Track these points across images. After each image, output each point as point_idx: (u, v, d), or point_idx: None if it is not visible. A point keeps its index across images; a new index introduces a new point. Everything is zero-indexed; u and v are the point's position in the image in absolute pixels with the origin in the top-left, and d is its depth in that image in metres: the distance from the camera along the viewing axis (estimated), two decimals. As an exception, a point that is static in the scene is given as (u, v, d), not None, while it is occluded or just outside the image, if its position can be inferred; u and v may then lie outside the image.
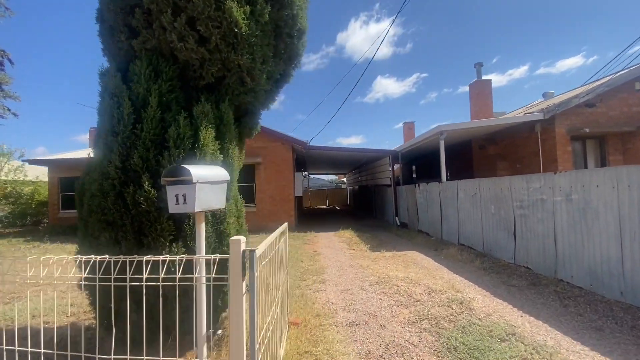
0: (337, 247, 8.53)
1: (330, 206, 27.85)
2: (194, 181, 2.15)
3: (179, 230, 2.84)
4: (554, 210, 4.86)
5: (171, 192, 2.23)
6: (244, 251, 1.74)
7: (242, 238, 1.78)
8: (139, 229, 2.75)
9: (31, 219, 15.89)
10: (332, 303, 4.37)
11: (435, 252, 7.31)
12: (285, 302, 3.44)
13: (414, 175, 19.85)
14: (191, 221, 2.85)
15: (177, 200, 2.23)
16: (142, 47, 2.98)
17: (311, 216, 19.06)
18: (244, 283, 1.74)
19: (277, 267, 2.83)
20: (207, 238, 2.89)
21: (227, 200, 3.10)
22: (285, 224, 3.73)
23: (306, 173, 26.41)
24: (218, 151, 3.04)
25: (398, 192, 12.68)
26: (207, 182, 2.29)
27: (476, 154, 11.98)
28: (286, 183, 12.29)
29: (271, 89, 3.86)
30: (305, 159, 17.48)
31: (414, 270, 5.79)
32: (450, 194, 8.19)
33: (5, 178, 15.35)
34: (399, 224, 12.51)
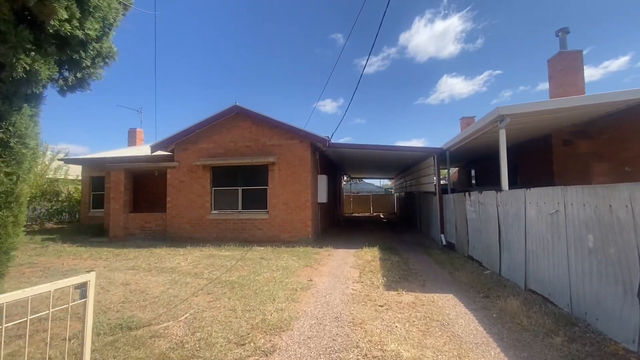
0: (343, 275, 6.27)
1: (375, 214, 25.12)
2: None
3: None
4: None
5: None
6: None
7: None
8: None
9: (70, 217, 16.51)
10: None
11: (483, 302, 4.63)
12: None
13: (473, 182, 16.30)
14: None
15: None
16: None
17: (345, 225, 16.78)
18: None
19: None
20: None
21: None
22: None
23: (347, 177, 24.18)
24: None
25: (445, 201, 9.83)
26: None
27: (558, 153, 8.60)
28: (303, 187, 10.35)
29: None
30: (341, 161, 15.35)
31: (436, 345, 3.34)
32: (513, 209, 5.38)
33: (51, 176, 16.15)
34: (444, 243, 9.64)
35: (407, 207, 18.77)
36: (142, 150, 15.21)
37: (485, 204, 6.59)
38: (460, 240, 8.34)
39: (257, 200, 10.73)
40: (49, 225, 15.80)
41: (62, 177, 16.46)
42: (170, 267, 6.89)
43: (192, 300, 4.78)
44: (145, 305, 4.56)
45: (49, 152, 16.03)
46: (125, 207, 11.71)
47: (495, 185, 10.51)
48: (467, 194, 7.71)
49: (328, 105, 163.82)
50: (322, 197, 11.56)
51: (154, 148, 11.60)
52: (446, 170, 13.30)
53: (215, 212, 10.97)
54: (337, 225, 16.71)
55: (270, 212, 10.51)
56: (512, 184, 11.70)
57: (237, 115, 10.96)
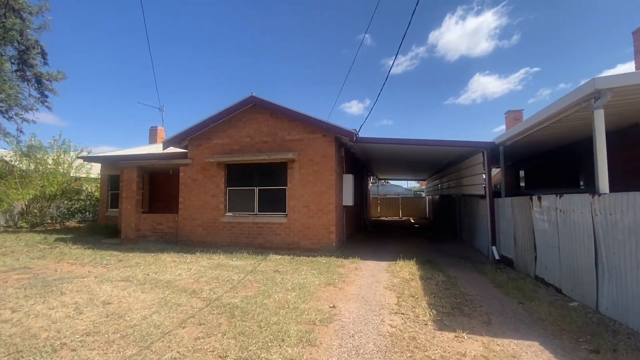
0: (376, 300, 4.87)
1: (404, 218, 23.28)
2: None
3: None
4: None
5: None
6: None
7: None
8: None
9: (92, 216, 16.24)
10: None
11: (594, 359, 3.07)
12: None
13: (522, 184, 14.22)
14: None
15: None
16: None
17: (373, 231, 15.23)
18: None
19: None
20: None
21: None
22: None
23: (375, 178, 22.58)
24: None
25: (498, 207, 8.14)
26: None
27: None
28: (325, 188, 9.03)
29: None
30: (368, 159, 13.89)
31: None
32: (627, 221, 3.74)
33: (74, 174, 15.96)
34: (496, 257, 7.96)
35: (443, 211, 16.91)
36: (160, 148, 14.57)
37: (567, 211, 4.93)
38: (523, 255, 6.65)
39: (274, 202, 9.54)
40: (70, 223, 15.60)
41: (84, 175, 16.24)
42: (167, 280, 5.81)
43: (175, 334, 3.59)
44: (114, 340, 3.43)
45: (72, 152, 15.85)
46: (138, 207, 10.97)
47: (553, 188, 8.67)
48: (534, 198, 6.03)
49: (354, 107, 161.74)
50: (348, 200, 10.18)
51: (166, 144, 10.77)
52: (493, 170, 11.45)
53: (230, 214, 9.91)
54: (363, 230, 15.23)
55: (289, 215, 9.28)
56: (572, 187, 9.73)
57: (253, 107, 9.86)
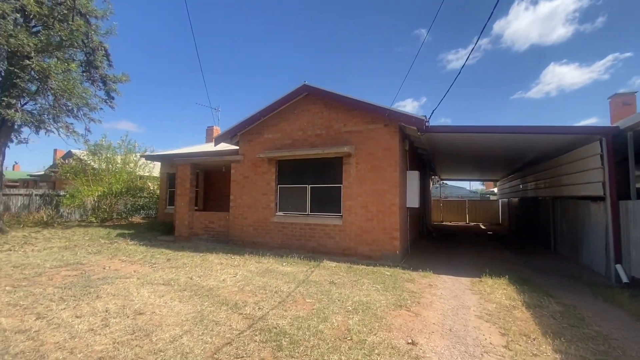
0: (471, 338, 3.51)
1: (471, 223, 20.66)
2: None
3: None
4: None
5: None
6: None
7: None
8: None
9: (155, 212, 16.94)
10: None
11: None
12: None
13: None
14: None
15: None
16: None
17: (438, 238, 13.40)
18: None
19: None
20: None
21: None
22: None
23: (437, 178, 20.42)
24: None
25: (628, 212, 6.08)
26: None
27: None
28: (388, 186, 7.74)
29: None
30: (433, 155, 12.19)
31: None
32: None
33: (140, 173, 16.83)
34: (624, 280, 5.92)
35: (524, 217, 14.35)
36: (214, 147, 14.57)
37: None
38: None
39: (328, 202, 8.52)
40: (135, 219, 16.45)
41: (147, 174, 17.05)
42: (209, 287, 5.09)
43: (204, 370, 2.70)
44: (129, 372, 2.64)
45: (137, 152, 16.76)
46: (191, 204, 10.81)
47: None
48: None
49: (408, 106, 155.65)
50: (413, 201, 8.74)
51: (218, 140, 10.44)
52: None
53: (280, 214, 9.14)
54: (427, 237, 13.49)
55: (344, 216, 8.18)
56: None
57: (306, 98, 8.97)
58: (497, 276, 6.17)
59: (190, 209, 10.75)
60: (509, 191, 16.66)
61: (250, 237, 9.44)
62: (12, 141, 10.58)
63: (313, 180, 8.79)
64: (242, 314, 4.03)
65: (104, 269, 6.32)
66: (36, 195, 14.04)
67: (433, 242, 11.84)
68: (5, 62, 9.11)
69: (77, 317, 3.76)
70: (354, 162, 8.16)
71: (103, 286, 5.04)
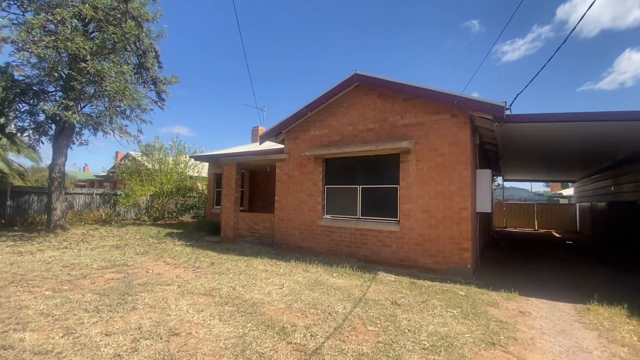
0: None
1: (541, 230, 18.13)
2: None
3: None
4: None
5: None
6: None
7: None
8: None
9: (202, 212, 17.21)
10: None
11: None
12: None
13: None
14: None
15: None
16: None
17: (507, 247, 11.67)
18: None
19: None
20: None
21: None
22: None
23: (498, 178, 18.24)
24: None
25: None
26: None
27: None
28: (456, 188, 6.57)
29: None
30: (502, 151, 10.57)
31: None
32: None
33: (190, 173, 17.24)
34: None
35: (617, 224, 11.99)
36: (260, 147, 14.31)
37: None
38: None
39: (382, 205, 7.55)
40: (185, 218, 16.86)
41: (197, 174, 17.40)
42: (253, 302, 4.44)
43: None
44: None
45: (187, 153, 17.19)
46: (236, 205, 10.50)
47: None
48: None
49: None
50: (485, 204, 7.43)
51: (263, 138, 9.99)
52: None
53: (328, 217, 8.37)
54: (493, 245, 11.83)
55: (401, 222, 7.15)
56: None
57: (357, 89, 8.10)
58: (609, 302, 4.76)
59: (236, 209, 10.44)
60: (593, 194, 14.18)
61: (296, 241, 8.80)
62: (73, 143, 11.14)
63: (364, 180, 7.88)
64: (291, 342, 3.28)
65: (147, 272, 6.03)
66: (96, 194, 14.91)
67: (502, 252, 10.24)
68: (67, 67, 9.48)
69: (106, 334, 3.29)
70: (413, 159, 7.10)
71: (142, 294, 4.63)
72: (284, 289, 5.13)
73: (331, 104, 8.50)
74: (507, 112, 6.05)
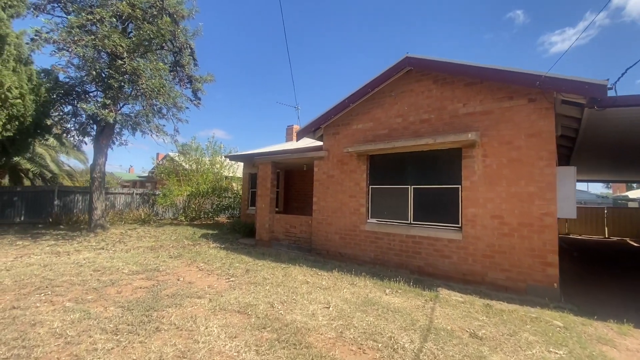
0: None
1: (613, 237, 15.74)
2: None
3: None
4: None
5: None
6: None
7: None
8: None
9: (237, 212, 16.97)
10: None
11: None
12: None
13: None
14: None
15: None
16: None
17: (582, 258, 9.97)
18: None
19: None
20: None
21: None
22: None
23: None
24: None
25: None
26: None
27: None
28: (537, 189, 5.37)
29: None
30: (578, 145, 8.97)
31: None
32: None
33: (226, 174, 17.09)
34: None
35: None
36: (296, 145, 13.70)
37: None
38: None
39: (439, 208, 6.49)
40: (220, 218, 16.72)
41: (232, 174, 17.21)
42: (296, 328, 3.65)
43: None
44: None
45: (222, 153, 17.06)
46: (272, 206, 9.90)
47: None
48: None
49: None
50: (569, 210, 6.07)
51: (300, 134, 9.26)
52: None
53: (373, 221, 7.45)
54: (563, 256, 10.15)
55: (464, 229, 6.05)
56: None
57: (408, 75, 7.10)
58: None
59: (271, 210, 9.84)
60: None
61: (336, 248, 7.96)
62: (113, 143, 11.18)
63: (417, 179, 6.86)
64: (350, 396, 2.43)
65: (178, 280, 5.50)
66: (136, 194, 15.15)
67: (578, 265, 8.67)
68: (106, 65, 9.42)
69: (120, 370, 2.66)
70: (479, 154, 5.98)
71: (169, 309, 4.03)
72: (331, 309, 4.30)
73: (376, 93, 7.57)
74: (608, 97, 4.77)
